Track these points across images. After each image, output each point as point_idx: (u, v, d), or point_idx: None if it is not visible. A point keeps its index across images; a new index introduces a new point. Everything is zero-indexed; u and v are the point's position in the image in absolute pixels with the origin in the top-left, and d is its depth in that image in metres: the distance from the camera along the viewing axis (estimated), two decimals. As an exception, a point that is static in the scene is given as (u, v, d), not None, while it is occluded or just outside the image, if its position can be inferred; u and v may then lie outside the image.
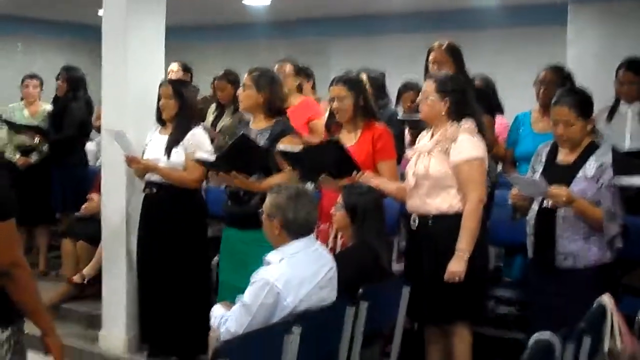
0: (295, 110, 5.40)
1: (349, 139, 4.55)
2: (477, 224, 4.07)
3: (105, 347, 5.52)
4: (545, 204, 3.92)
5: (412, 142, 4.80)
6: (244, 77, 4.78)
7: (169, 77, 6.29)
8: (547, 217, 3.93)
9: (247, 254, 4.41)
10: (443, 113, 4.16)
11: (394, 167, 4.63)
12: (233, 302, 3.42)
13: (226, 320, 3.32)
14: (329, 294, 3.49)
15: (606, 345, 3.36)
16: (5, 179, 2.88)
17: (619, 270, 4.13)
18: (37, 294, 2.88)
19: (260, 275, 3.30)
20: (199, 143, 5.00)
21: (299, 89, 5.67)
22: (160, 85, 5.13)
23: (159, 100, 5.09)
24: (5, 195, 2.82)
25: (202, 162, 4.76)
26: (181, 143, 4.98)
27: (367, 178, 4.25)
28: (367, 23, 9.65)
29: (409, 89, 6.19)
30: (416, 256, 4.25)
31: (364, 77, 5.23)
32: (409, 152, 4.38)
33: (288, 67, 5.58)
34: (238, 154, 4.49)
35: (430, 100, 4.18)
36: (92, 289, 6.08)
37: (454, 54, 4.78)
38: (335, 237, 4.46)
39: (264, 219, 3.48)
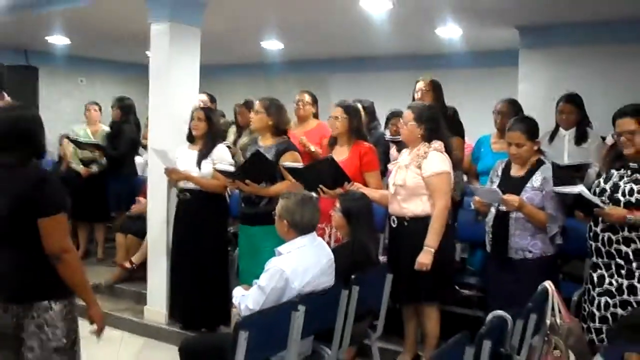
0: (311, 131, 5.41)
1: (341, 153, 4.58)
2: (443, 225, 4.08)
3: (149, 319, 5.51)
4: (501, 208, 3.92)
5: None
6: (256, 104, 4.79)
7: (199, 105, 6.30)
8: (502, 219, 3.92)
9: (257, 245, 4.45)
10: (419, 136, 4.17)
11: (378, 176, 4.65)
12: (250, 285, 3.41)
13: (245, 299, 3.31)
14: (328, 280, 3.48)
15: (548, 321, 3.35)
16: (59, 180, 2.89)
17: (559, 261, 4.11)
18: (83, 274, 2.90)
19: (272, 264, 3.30)
20: (222, 156, 5.00)
21: (315, 116, 5.67)
22: (194, 110, 5.13)
23: (191, 120, 5.08)
24: (60, 193, 2.82)
25: (222, 172, 4.76)
26: (209, 157, 4.97)
27: (356, 187, 4.25)
28: (360, 63, 9.65)
29: (395, 116, 6.22)
30: (395, 249, 4.25)
31: (359, 106, 5.26)
32: (390, 166, 4.38)
33: (307, 97, 5.56)
34: (252, 166, 4.53)
35: (409, 126, 4.20)
36: (139, 273, 6.07)
37: (435, 87, 4.81)
38: (330, 234, 4.47)
39: (276, 219, 3.47)
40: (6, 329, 2.80)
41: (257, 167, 4.52)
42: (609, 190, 3.62)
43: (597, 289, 3.66)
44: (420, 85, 4.83)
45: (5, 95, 4.96)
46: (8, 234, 2.77)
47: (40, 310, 2.78)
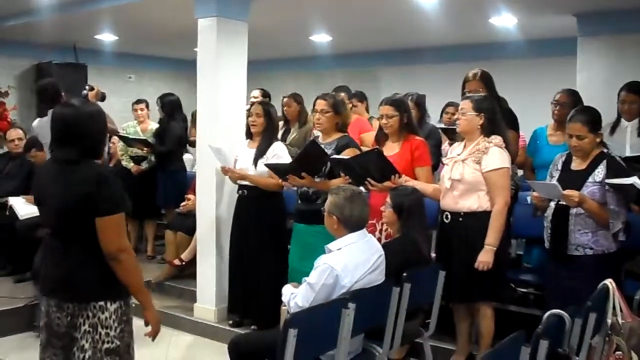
0: (350, 126, 5.39)
1: (392, 149, 4.54)
2: (503, 223, 4.03)
3: (198, 316, 5.59)
4: (560, 203, 3.85)
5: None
6: (319, 102, 4.73)
7: (252, 101, 6.34)
8: (561, 214, 3.87)
9: (313, 244, 4.39)
10: (478, 127, 4.11)
11: (429, 172, 4.59)
12: (299, 283, 3.42)
13: (295, 296, 3.32)
14: (379, 277, 3.46)
15: (609, 321, 3.29)
16: (119, 181, 2.91)
17: (622, 258, 4.02)
18: (140, 275, 2.92)
19: (322, 261, 3.30)
20: (279, 154, 5.01)
21: (366, 110, 5.68)
22: (252, 104, 5.16)
23: (249, 116, 5.11)
24: (119, 193, 2.85)
25: (273, 167, 4.77)
26: (265, 155, 4.99)
27: (404, 180, 4.22)
28: (411, 54, 9.58)
29: (450, 105, 6.19)
30: (448, 245, 4.20)
31: (409, 100, 5.25)
32: (445, 160, 4.33)
33: (343, 95, 5.55)
34: (307, 157, 4.51)
35: (468, 116, 4.13)
36: (188, 270, 6.15)
37: (486, 80, 4.67)
38: (381, 230, 4.45)
39: (325, 215, 3.48)
40: (59, 328, 2.83)
41: (312, 158, 4.50)
42: None
43: None
44: (470, 87, 4.61)
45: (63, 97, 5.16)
46: (66, 231, 2.81)
47: (95, 310, 2.80)
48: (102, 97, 6.19)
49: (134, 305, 2.98)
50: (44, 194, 2.90)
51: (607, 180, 3.72)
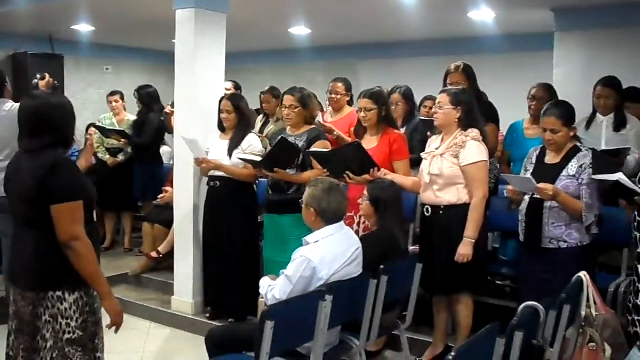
0: (342, 120, 5.41)
1: (370, 142, 4.56)
2: (482, 215, 4.06)
3: (176, 309, 5.58)
4: (535, 197, 3.89)
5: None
6: (287, 98, 4.77)
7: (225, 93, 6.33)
8: (536, 207, 3.91)
9: (285, 234, 4.47)
10: (455, 120, 4.13)
11: (408, 165, 4.62)
12: (277, 275, 3.43)
13: (272, 289, 3.33)
14: (356, 269, 3.48)
15: (583, 313, 3.33)
16: (76, 167, 2.90)
17: (595, 251, 4.07)
18: (96, 264, 2.86)
19: (300, 253, 3.32)
20: (253, 146, 5.03)
21: (349, 103, 5.65)
22: (221, 100, 5.16)
23: (220, 112, 5.11)
24: (74, 180, 2.82)
25: (249, 162, 4.80)
26: (240, 146, 5.00)
27: (383, 174, 4.25)
28: (390, 48, 9.59)
29: (429, 99, 6.23)
30: (429, 239, 4.23)
31: (396, 97, 5.40)
32: (423, 155, 4.35)
33: (340, 87, 5.53)
34: (278, 154, 4.58)
35: (445, 110, 4.15)
36: (166, 263, 6.16)
37: (468, 73, 4.71)
38: (359, 222, 4.47)
39: (304, 207, 3.49)
40: (24, 316, 2.83)
41: (283, 154, 4.56)
42: None
43: None
44: (452, 79, 4.69)
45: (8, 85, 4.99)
46: (25, 218, 2.83)
47: (54, 301, 2.79)
48: (54, 87, 6.06)
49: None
50: (11, 182, 2.92)
51: (593, 176, 3.75)
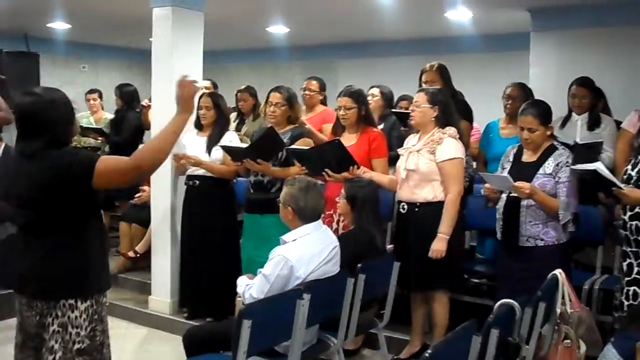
0: (315, 117, 5.44)
1: (349, 140, 4.56)
2: (456, 212, 4.08)
3: (153, 309, 5.54)
4: (512, 195, 3.91)
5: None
6: (273, 95, 4.73)
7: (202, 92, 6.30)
8: (513, 206, 3.92)
9: (267, 234, 4.41)
10: (432, 119, 4.16)
11: (386, 163, 4.63)
12: (255, 274, 3.42)
13: (249, 288, 3.32)
14: (333, 268, 3.48)
15: (558, 310, 3.35)
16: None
17: (570, 249, 4.11)
18: (160, 144, 2.79)
19: (277, 252, 3.30)
20: (234, 142, 5.01)
21: (323, 102, 5.68)
22: (201, 96, 5.13)
23: (199, 109, 5.08)
24: (85, 154, 2.79)
25: (230, 150, 4.76)
26: (218, 143, 4.97)
27: (362, 171, 4.25)
28: (368, 47, 9.62)
29: (404, 99, 6.27)
30: (404, 236, 4.25)
31: (375, 91, 5.41)
32: (400, 151, 4.37)
33: (314, 84, 5.57)
34: (264, 142, 4.52)
35: (422, 108, 4.18)
36: (143, 262, 6.10)
37: (443, 72, 4.77)
38: (338, 221, 4.47)
39: (281, 206, 3.48)
40: (30, 328, 2.73)
41: (269, 144, 4.51)
42: (635, 177, 3.60)
43: (626, 278, 3.67)
44: (427, 77, 4.75)
45: None
46: (33, 224, 2.70)
47: (65, 309, 2.68)
48: (1, 83, 5.94)
49: (107, 303, 2.89)
50: (10, 187, 2.77)
51: (572, 167, 3.78)
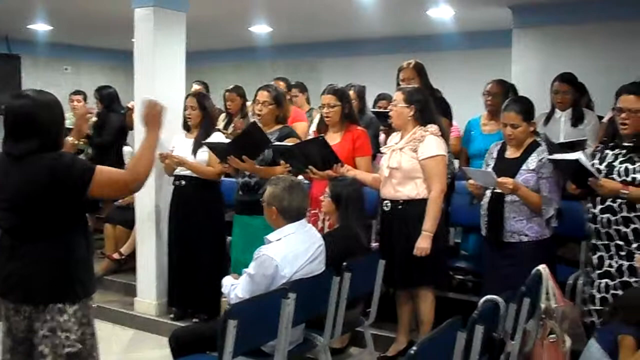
0: None
1: (333, 139, 4.56)
2: (440, 209, 4.10)
3: (139, 310, 5.51)
4: (495, 191, 3.93)
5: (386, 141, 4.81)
6: (261, 94, 4.70)
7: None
8: (497, 202, 3.94)
9: (257, 235, 4.36)
10: (409, 118, 4.17)
11: (369, 161, 4.65)
12: (240, 275, 3.41)
13: (235, 288, 3.32)
14: (318, 266, 3.49)
15: (543, 305, 3.37)
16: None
17: (554, 245, 4.13)
18: (145, 160, 2.87)
19: (262, 252, 3.30)
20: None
21: (290, 101, 5.72)
22: (187, 97, 5.11)
23: (185, 110, 5.05)
24: (81, 161, 2.80)
25: (214, 147, 4.72)
26: (203, 141, 4.92)
27: (346, 169, 4.25)
28: (350, 46, 9.63)
29: (382, 98, 6.29)
30: (388, 233, 4.26)
31: (351, 90, 5.34)
32: (383, 149, 4.38)
33: (282, 84, 5.60)
34: (248, 138, 4.48)
35: (399, 108, 4.19)
36: (128, 264, 6.08)
37: (419, 70, 4.79)
38: (324, 219, 4.46)
39: (265, 205, 3.48)
40: (18, 332, 2.71)
41: (252, 140, 4.47)
42: (604, 171, 3.63)
43: (596, 271, 3.69)
44: (404, 75, 4.78)
45: None
46: (22, 228, 2.67)
47: (53, 313, 2.66)
48: None
49: (95, 306, 2.87)
50: None
51: (548, 157, 3.80)
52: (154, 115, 3.00)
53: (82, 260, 2.78)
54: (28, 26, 8.72)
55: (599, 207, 3.65)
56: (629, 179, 3.54)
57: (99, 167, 2.69)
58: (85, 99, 7.33)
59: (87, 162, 2.82)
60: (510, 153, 4.01)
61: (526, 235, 3.89)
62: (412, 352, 2.24)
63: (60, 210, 2.66)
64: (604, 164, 3.68)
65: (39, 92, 2.79)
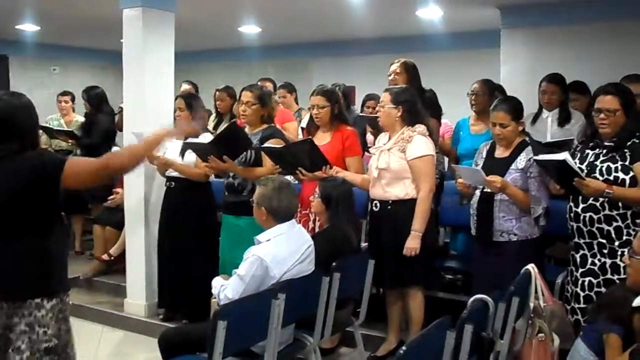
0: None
1: (323, 139, 4.57)
2: (428, 209, 4.12)
3: (128, 312, 5.50)
4: (485, 190, 3.94)
5: (374, 141, 4.82)
6: (245, 94, 4.69)
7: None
8: (486, 201, 3.95)
9: (242, 235, 4.38)
10: (396, 119, 4.19)
11: (360, 161, 4.66)
12: (230, 275, 3.41)
13: (224, 288, 3.31)
14: (308, 267, 3.49)
15: (531, 304, 3.38)
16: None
17: (543, 244, 4.14)
18: (126, 156, 2.99)
19: (252, 252, 3.30)
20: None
21: (296, 101, 5.73)
22: (176, 99, 5.11)
23: (175, 112, 5.05)
24: (54, 155, 2.85)
25: (194, 147, 4.70)
26: (184, 141, 4.88)
27: (335, 171, 4.26)
28: (340, 46, 9.63)
29: (371, 99, 6.31)
30: (378, 233, 4.26)
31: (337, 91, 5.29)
32: (372, 150, 4.39)
33: (268, 84, 5.60)
34: (228, 137, 4.46)
35: (386, 109, 4.21)
36: (118, 265, 6.07)
37: (409, 69, 4.82)
38: (315, 220, 4.47)
39: (254, 206, 3.48)
40: None
41: (233, 139, 4.45)
42: (585, 171, 3.64)
43: (580, 270, 3.70)
44: (393, 68, 4.84)
45: None
46: (2, 228, 2.67)
47: (32, 308, 2.67)
48: None
49: (70, 303, 2.88)
50: None
51: (535, 158, 3.81)
52: (156, 142, 3.09)
53: (59, 256, 2.82)
54: (16, 26, 8.67)
55: (582, 205, 3.66)
56: (611, 177, 3.55)
57: (72, 157, 2.81)
58: (73, 99, 7.30)
59: (60, 155, 2.91)
60: (500, 152, 4.03)
61: (515, 235, 3.90)
62: (401, 352, 2.25)
63: (38, 207, 2.69)
64: (585, 163, 3.68)
65: (14, 95, 2.85)
